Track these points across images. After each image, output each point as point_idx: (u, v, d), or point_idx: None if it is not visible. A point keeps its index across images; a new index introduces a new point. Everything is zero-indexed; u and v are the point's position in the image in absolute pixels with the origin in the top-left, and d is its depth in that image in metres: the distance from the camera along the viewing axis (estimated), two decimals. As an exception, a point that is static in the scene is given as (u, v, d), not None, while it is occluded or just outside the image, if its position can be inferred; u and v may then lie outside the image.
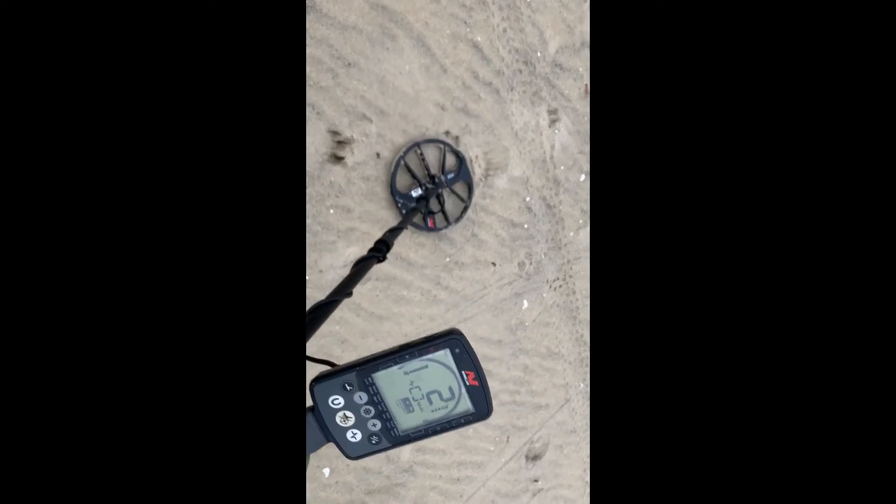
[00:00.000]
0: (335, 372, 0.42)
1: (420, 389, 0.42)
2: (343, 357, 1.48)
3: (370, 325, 1.51)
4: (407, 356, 0.40)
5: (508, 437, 1.94)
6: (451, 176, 1.49)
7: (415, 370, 0.41)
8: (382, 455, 1.64)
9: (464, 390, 0.42)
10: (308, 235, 1.34)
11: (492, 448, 1.91)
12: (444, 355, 0.40)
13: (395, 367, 0.41)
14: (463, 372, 0.41)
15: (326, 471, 1.54)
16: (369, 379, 0.41)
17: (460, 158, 1.49)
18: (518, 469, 2.02)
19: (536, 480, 2.10)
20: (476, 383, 0.41)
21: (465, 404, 0.42)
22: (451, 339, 0.40)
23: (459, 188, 1.54)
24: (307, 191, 1.31)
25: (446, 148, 1.47)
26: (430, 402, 0.42)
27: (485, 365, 1.78)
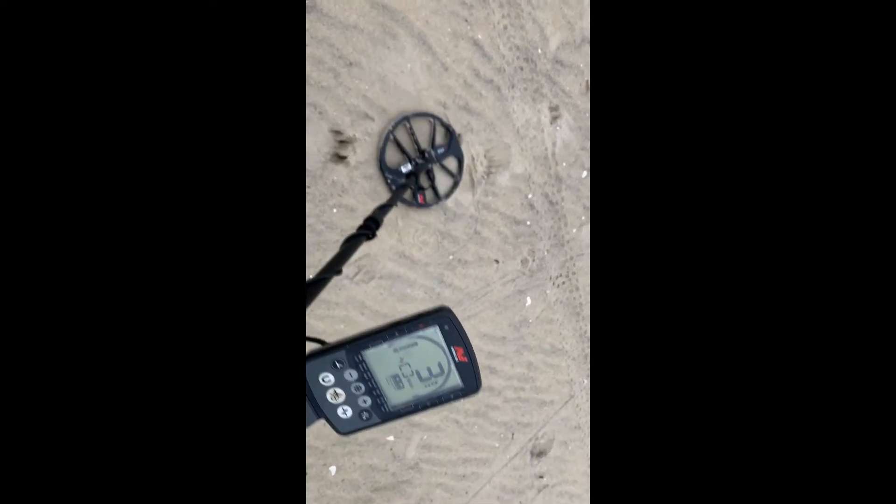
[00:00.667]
0: (325, 350, 0.42)
1: (410, 366, 0.42)
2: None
3: (375, 324, 1.51)
4: (396, 333, 0.41)
5: (513, 434, 1.95)
6: (441, 151, 1.44)
7: (404, 347, 0.41)
8: (388, 452, 1.65)
9: (453, 366, 0.42)
10: (312, 235, 1.35)
11: (497, 445, 1.92)
12: (434, 332, 0.41)
13: (384, 345, 0.41)
14: (452, 348, 0.41)
15: (333, 469, 1.55)
16: (359, 356, 0.42)
17: (451, 133, 1.45)
18: (523, 465, 2.02)
19: (541, 476, 2.10)
20: (465, 359, 0.42)
21: (455, 380, 0.43)
22: (441, 316, 0.40)
23: (450, 163, 1.49)
24: (310, 190, 1.31)
25: (436, 122, 1.42)
26: (420, 379, 0.42)
27: (489, 362, 1.79)
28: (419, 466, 1.74)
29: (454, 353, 0.42)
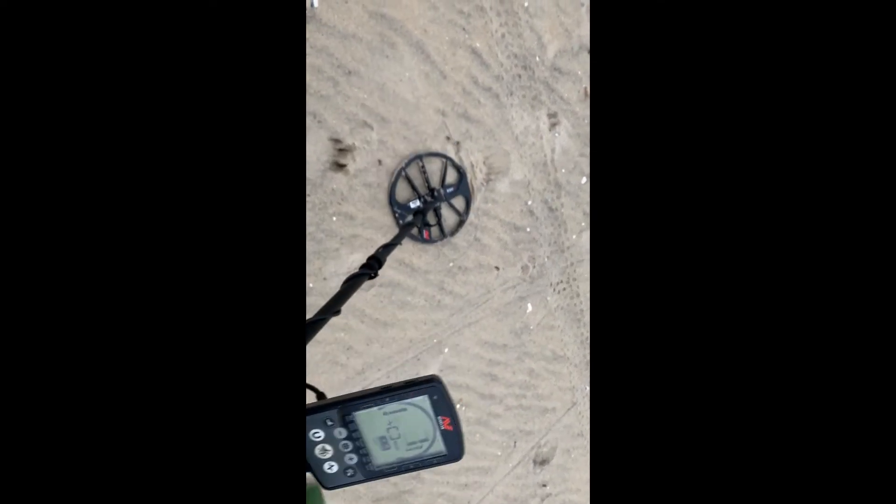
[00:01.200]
0: (318, 407, 0.44)
1: (397, 429, 0.44)
2: (348, 364, 1.47)
3: (375, 332, 1.51)
4: (388, 399, 0.43)
5: (515, 442, 1.94)
6: (450, 190, 1.50)
7: (394, 412, 0.44)
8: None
9: (438, 434, 0.44)
10: (312, 243, 1.34)
11: (499, 453, 1.90)
12: (423, 400, 0.43)
13: (375, 408, 0.44)
14: (439, 417, 0.44)
15: (334, 479, 1.54)
16: (350, 416, 0.44)
17: (461, 173, 1.51)
18: (526, 474, 2.01)
19: (545, 485, 2.09)
20: (451, 428, 0.44)
21: (439, 446, 0.45)
22: (431, 387, 0.43)
23: (457, 202, 1.55)
24: (310, 199, 1.31)
25: (448, 162, 1.48)
26: (406, 442, 0.45)
27: (490, 369, 1.78)
28: (421, 476, 1.73)
29: (441, 421, 0.44)
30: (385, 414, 0.44)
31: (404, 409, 0.43)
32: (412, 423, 0.44)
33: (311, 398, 0.47)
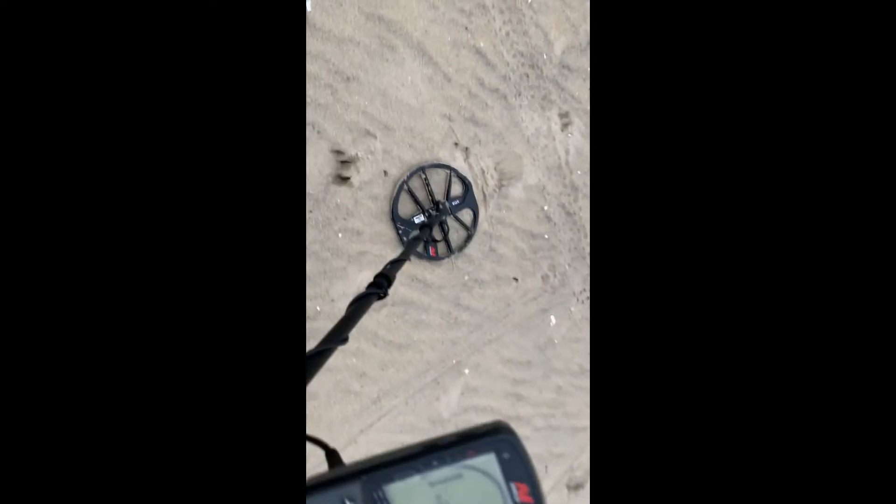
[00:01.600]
0: (332, 480, 0.31)
1: None
2: (362, 392, 1.37)
3: (389, 356, 1.40)
4: (435, 462, 0.30)
5: (546, 467, 1.80)
6: (456, 203, 1.42)
7: (444, 480, 0.31)
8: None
9: None
10: (317, 263, 1.25)
11: (530, 480, 1.77)
12: (488, 462, 0.30)
13: (417, 477, 0.31)
14: (511, 484, 0.31)
15: None
16: (380, 492, 0.31)
17: (466, 185, 1.42)
18: (560, 502, 1.86)
19: (581, 512, 1.93)
20: (530, 499, 0.31)
21: None
22: (499, 440, 0.30)
23: (464, 216, 1.46)
24: (313, 215, 1.23)
25: (452, 174, 1.40)
26: None
27: (515, 389, 1.66)
28: (447, 510, 1.60)
29: (515, 490, 0.31)
30: (431, 485, 0.30)
31: (459, 476, 0.30)
32: (472, 494, 0.31)
33: (311, 458, 0.36)
